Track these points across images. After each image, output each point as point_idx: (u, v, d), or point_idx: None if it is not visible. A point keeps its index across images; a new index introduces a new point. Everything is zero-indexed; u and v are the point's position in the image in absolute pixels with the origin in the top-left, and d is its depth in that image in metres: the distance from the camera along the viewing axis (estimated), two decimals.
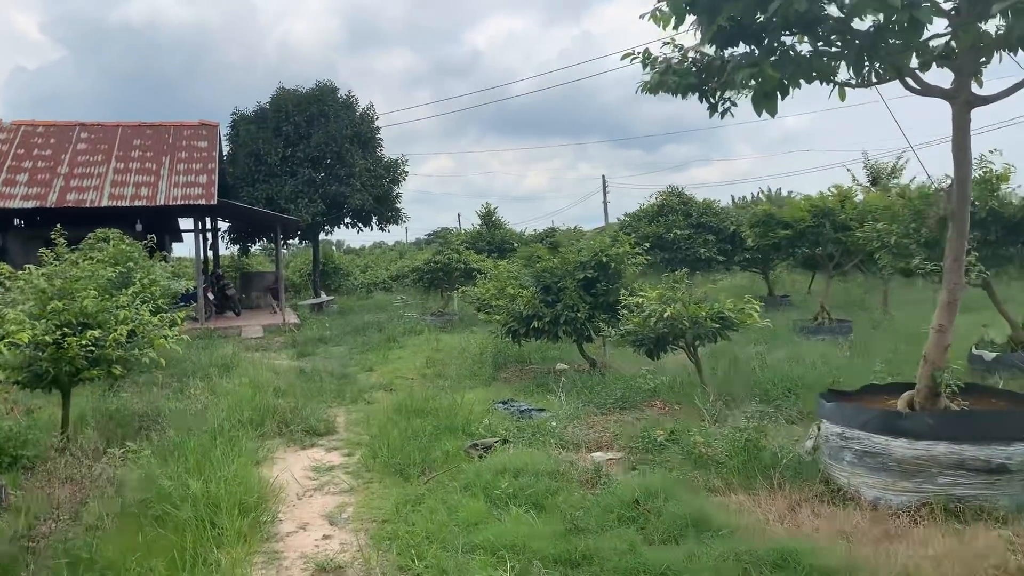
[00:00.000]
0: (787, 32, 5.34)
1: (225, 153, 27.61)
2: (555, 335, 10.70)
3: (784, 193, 47.48)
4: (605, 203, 46.16)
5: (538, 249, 11.34)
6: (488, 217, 31.27)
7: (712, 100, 5.70)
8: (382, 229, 29.37)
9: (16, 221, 23.81)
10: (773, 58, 4.98)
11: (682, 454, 6.43)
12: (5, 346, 6.82)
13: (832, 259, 12.83)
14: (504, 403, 9.59)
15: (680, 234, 14.13)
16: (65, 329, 7.57)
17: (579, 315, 10.39)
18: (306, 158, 26.48)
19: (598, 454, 6.88)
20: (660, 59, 5.66)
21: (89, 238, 14.99)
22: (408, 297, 30.94)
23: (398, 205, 29.19)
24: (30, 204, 19.74)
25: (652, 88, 5.63)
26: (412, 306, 26.81)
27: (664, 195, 16.16)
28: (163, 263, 14.10)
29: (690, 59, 5.76)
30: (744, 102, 5.67)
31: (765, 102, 4.96)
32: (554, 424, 8.02)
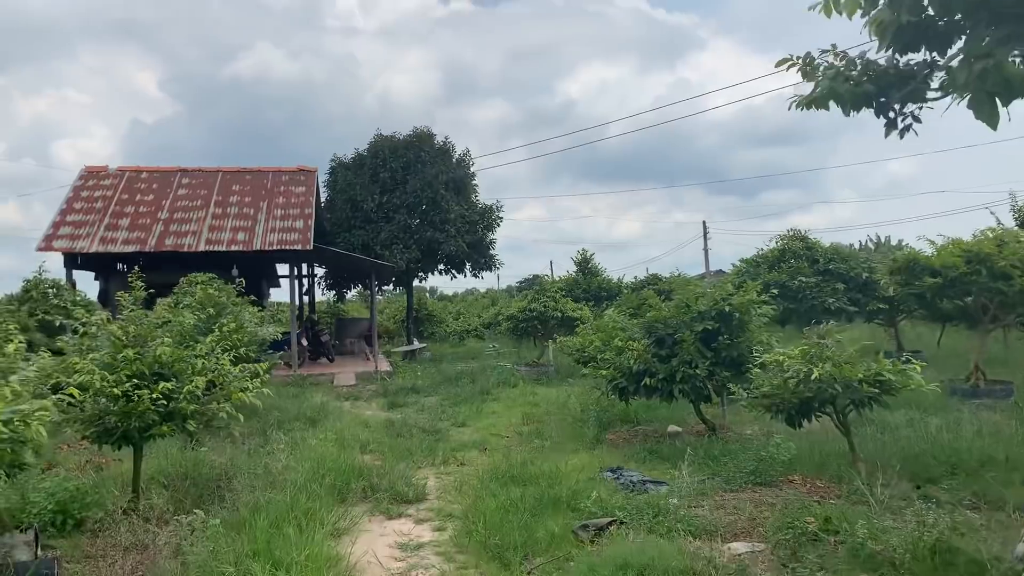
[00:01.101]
0: (994, 27, 4.21)
1: (323, 199, 27.65)
2: (669, 394, 9.54)
3: (894, 242, 44.86)
4: (706, 250, 44.62)
5: (649, 296, 10.26)
6: (584, 264, 30.28)
7: (891, 115, 4.60)
8: (475, 275, 28.77)
9: (119, 265, 24.26)
10: (1016, 51, 3.86)
11: (846, 551, 5.19)
12: (66, 398, 6.22)
13: (986, 311, 11.27)
14: (613, 471, 8.48)
15: (806, 282, 12.82)
16: (136, 380, 6.93)
17: (698, 372, 9.23)
18: (402, 204, 26.21)
19: (738, 545, 5.70)
20: (826, 65, 4.61)
21: (182, 283, 14.74)
22: (500, 345, 30.15)
23: (492, 251, 28.58)
24: (130, 248, 19.91)
25: (820, 99, 4.60)
26: (505, 355, 25.96)
27: (786, 239, 14.86)
28: (252, 308, 13.65)
29: (859, 65, 4.69)
30: (929, 118, 4.56)
31: (988, 108, 3.83)
32: (675, 502, 6.87)
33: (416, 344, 27.50)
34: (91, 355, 7.17)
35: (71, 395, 6.53)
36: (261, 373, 8.10)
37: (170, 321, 10.85)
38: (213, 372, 7.78)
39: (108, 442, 7.14)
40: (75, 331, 8.02)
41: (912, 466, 7.67)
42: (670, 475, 8.39)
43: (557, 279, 25.08)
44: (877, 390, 6.59)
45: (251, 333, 11.35)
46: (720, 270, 50.35)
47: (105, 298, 22.79)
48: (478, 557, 5.97)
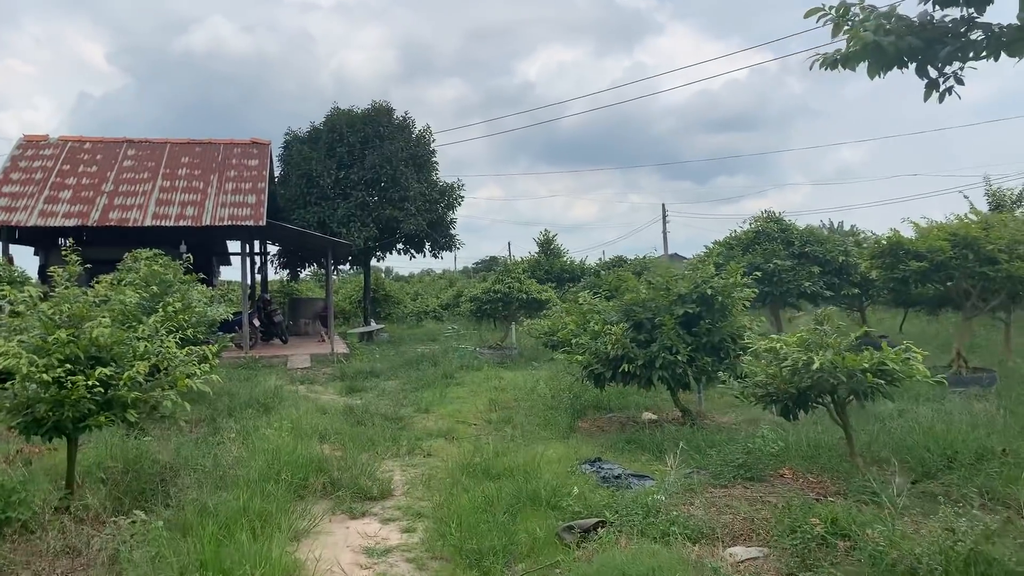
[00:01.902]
0: None
1: (277, 175, 26.63)
2: (648, 381, 9.05)
3: (847, 227, 45.14)
4: (665, 233, 44.42)
5: (627, 278, 9.73)
6: (546, 245, 29.75)
7: (933, 75, 4.09)
8: (435, 256, 28.03)
9: (60, 240, 23.02)
10: None
11: (865, 559, 4.72)
12: None
13: (968, 296, 11.00)
14: (592, 463, 7.96)
15: (781, 264, 12.41)
16: (70, 365, 6.18)
17: (678, 358, 8.74)
18: (360, 180, 25.32)
19: (739, 550, 5.21)
20: (863, 16, 4.07)
21: (126, 259, 13.83)
22: (460, 327, 29.52)
23: (452, 231, 27.88)
24: (72, 222, 18.77)
25: (854, 56, 4.06)
26: (466, 337, 25.34)
27: (760, 220, 14.44)
28: (202, 286, 12.82)
29: (892, 20, 4.16)
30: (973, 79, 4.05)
31: None
32: (662, 498, 6.37)
33: (374, 325, 26.74)
34: (18, 337, 6.39)
35: None
36: (210, 357, 7.38)
37: (109, 299, 10.04)
38: (157, 356, 7.05)
39: (38, 433, 6.38)
40: (0, 309, 7.21)
41: (907, 458, 7.30)
42: (653, 468, 7.91)
43: (520, 260, 24.50)
44: (883, 380, 6.15)
45: (199, 313, 10.56)
46: (676, 254, 50.31)
47: (45, 275, 21.62)
48: (454, 564, 5.39)
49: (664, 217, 44.60)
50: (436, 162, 27.79)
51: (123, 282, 10.61)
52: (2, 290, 7.39)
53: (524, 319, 20.23)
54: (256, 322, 21.73)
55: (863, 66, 4.48)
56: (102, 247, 20.15)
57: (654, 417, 10.46)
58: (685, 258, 37.12)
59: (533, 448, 8.72)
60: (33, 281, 19.32)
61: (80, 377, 6.16)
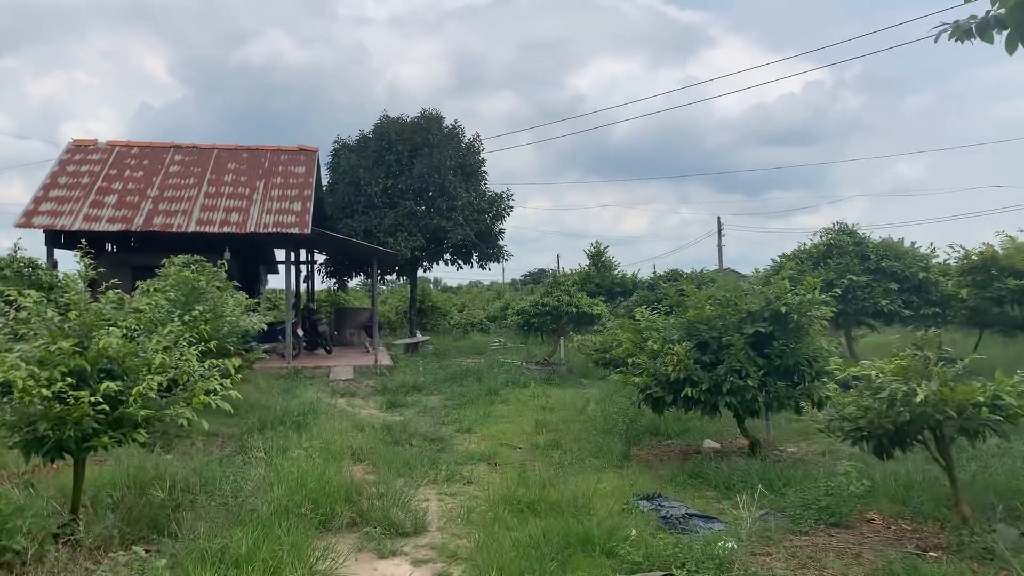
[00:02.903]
0: None
1: (324, 183, 26.27)
2: (713, 407, 8.16)
3: (907, 244, 43.34)
4: (720, 246, 43.16)
5: (691, 291, 8.86)
6: (597, 257, 28.81)
7: None
8: (483, 266, 27.34)
9: (108, 246, 22.92)
10: None
11: None
12: None
13: None
14: (650, 499, 7.12)
15: (856, 280, 11.41)
16: (72, 379, 5.57)
17: (749, 383, 7.85)
18: (408, 189, 24.83)
19: None
20: None
21: (165, 264, 13.38)
22: (506, 340, 28.77)
23: (500, 242, 27.16)
24: (115, 227, 18.54)
25: (996, 21, 3.20)
26: (512, 351, 24.61)
27: (832, 233, 13.42)
28: (240, 294, 12.28)
29: None
30: None
31: None
32: (732, 546, 5.51)
33: (419, 337, 26.17)
34: (19, 346, 5.82)
35: None
36: (232, 371, 6.74)
37: (139, 308, 9.54)
38: (174, 369, 6.44)
39: (39, 453, 5.79)
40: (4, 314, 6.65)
41: (1015, 504, 6.30)
42: (720, 507, 7.04)
43: (570, 272, 23.65)
44: (1000, 417, 5.21)
45: (231, 322, 9.98)
46: (730, 268, 48.92)
47: (92, 282, 21.48)
48: None
49: (720, 230, 43.39)
50: (485, 171, 27.22)
51: (151, 290, 10.10)
52: (8, 292, 6.82)
53: (574, 334, 19.38)
54: (300, 332, 21.31)
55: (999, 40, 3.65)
56: (148, 253, 19.96)
57: (717, 446, 9.55)
58: (740, 273, 35.89)
59: (584, 478, 7.91)
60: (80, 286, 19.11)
61: (84, 392, 5.55)
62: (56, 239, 19.23)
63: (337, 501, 6.66)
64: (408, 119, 26.15)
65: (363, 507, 6.62)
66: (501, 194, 26.91)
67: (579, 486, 7.38)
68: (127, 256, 22.08)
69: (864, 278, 12.16)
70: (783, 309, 8.10)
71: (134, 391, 5.76)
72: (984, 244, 10.58)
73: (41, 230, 18.54)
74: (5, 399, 5.68)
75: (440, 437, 10.39)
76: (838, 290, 9.64)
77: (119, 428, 5.94)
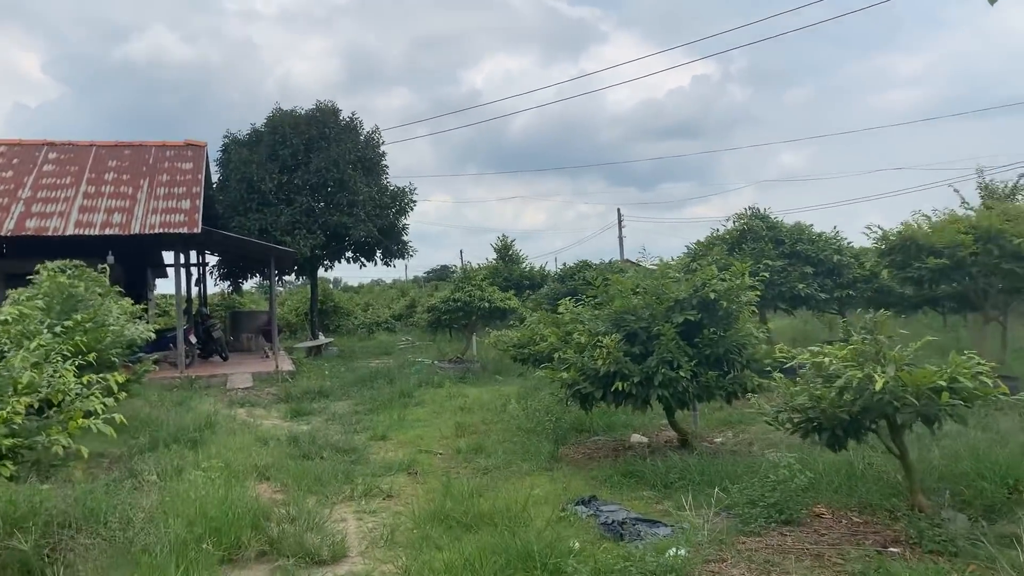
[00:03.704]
0: None
1: (215, 180, 24.86)
2: (644, 400, 7.79)
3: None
4: (621, 237, 43.45)
5: (616, 280, 8.45)
6: (504, 251, 28.37)
7: None
8: (387, 264, 26.44)
9: None
10: None
11: None
12: None
13: (986, 296, 10.01)
14: (586, 503, 6.66)
15: (772, 265, 11.30)
16: None
17: (681, 374, 7.50)
18: (304, 185, 23.73)
19: None
20: None
21: (38, 271, 12.11)
22: (414, 339, 28.03)
23: (404, 237, 26.34)
24: None
25: None
26: (421, 349, 23.92)
27: (745, 218, 13.30)
28: (125, 300, 11.20)
29: None
30: None
31: None
32: (684, 553, 5.11)
33: (322, 339, 25.13)
34: None
35: None
36: (115, 387, 5.91)
37: (4, 320, 8.45)
38: (47, 388, 5.58)
39: None
40: None
41: (961, 490, 6.15)
42: (661, 509, 6.65)
43: (478, 267, 23.13)
44: (961, 401, 4.96)
45: (115, 332, 8.99)
46: (628, 259, 49.43)
47: None
48: None
49: (620, 221, 43.69)
50: (386, 165, 26.31)
51: (21, 299, 9.00)
52: None
53: (487, 330, 18.88)
54: (193, 338, 20.01)
55: None
56: (23, 260, 18.28)
57: (645, 440, 9.22)
58: (639, 265, 36.18)
59: (514, 484, 7.41)
60: None
61: None
62: None
63: (243, 529, 5.91)
64: (303, 112, 25.03)
65: (273, 534, 5.90)
66: (404, 188, 26.12)
67: (510, 493, 6.87)
68: None
69: (779, 262, 12.12)
70: (712, 296, 7.79)
71: None
72: (902, 224, 10.67)
73: None
74: None
75: (353, 447, 9.68)
76: (765, 275, 9.47)
77: None
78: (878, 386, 4.83)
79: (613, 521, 6.12)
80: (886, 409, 5.03)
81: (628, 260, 46.62)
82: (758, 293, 8.46)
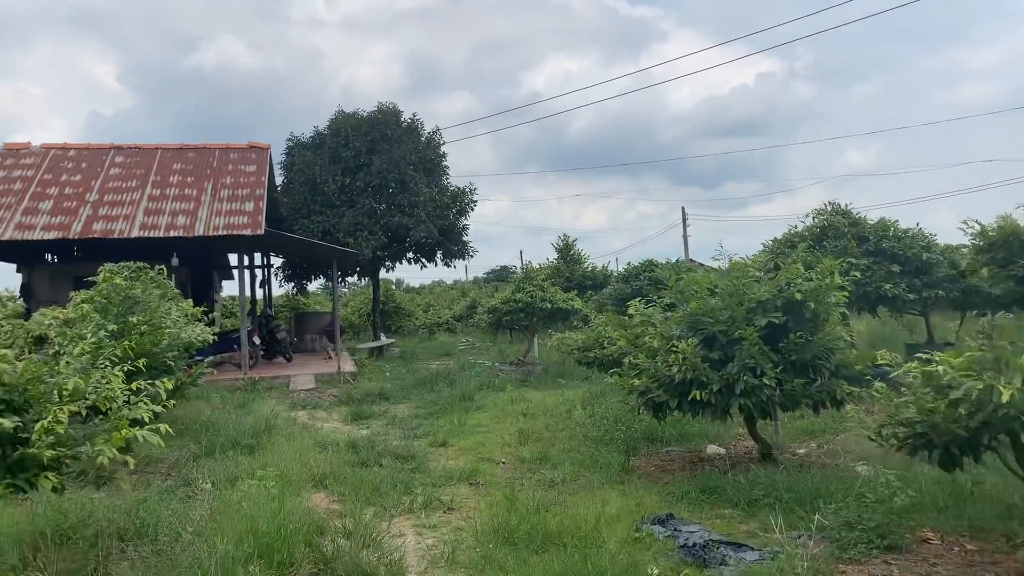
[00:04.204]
0: None
1: (279, 184, 24.95)
2: (724, 410, 7.21)
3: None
4: (685, 237, 42.44)
5: (696, 281, 7.89)
6: (566, 251, 27.82)
7: None
8: (447, 264, 26.15)
9: (47, 255, 21.42)
10: None
11: None
12: None
13: None
14: (663, 523, 6.14)
15: (856, 264, 10.55)
16: None
17: (765, 381, 6.90)
18: (366, 186, 23.63)
19: None
20: None
21: (100, 271, 12.10)
22: (475, 340, 27.71)
23: (465, 238, 26.02)
24: (51, 235, 17.10)
25: None
26: (481, 351, 23.56)
27: (825, 214, 12.53)
28: (186, 304, 11.07)
29: None
30: None
31: None
32: None
33: (383, 339, 24.98)
34: None
35: None
36: (164, 394, 5.62)
37: (70, 321, 8.35)
38: (93, 395, 5.30)
39: None
40: None
41: None
42: (746, 530, 6.08)
43: (539, 267, 22.67)
44: None
45: (172, 334, 8.80)
46: (693, 260, 48.32)
47: (28, 293, 19.99)
48: None
49: (684, 221, 42.68)
50: (447, 166, 26.06)
51: (81, 300, 8.90)
52: None
53: (549, 331, 18.38)
54: (256, 340, 20.02)
55: None
56: (91, 262, 18.55)
57: (722, 451, 8.63)
58: (704, 265, 35.24)
59: (583, 498, 6.92)
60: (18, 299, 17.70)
61: None
62: None
63: (296, 545, 5.57)
64: (364, 114, 24.95)
65: (327, 551, 5.54)
66: (464, 189, 25.81)
67: (580, 509, 6.40)
68: (68, 266, 20.65)
69: (864, 260, 11.34)
70: (798, 296, 7.17)
71: (37, 427, 4.63)
72: (998, 219, 9.80)
73: None
74: None
75: (412, 454, 9.31)
76: (856, 274, 8.79)
77: (23, 472, 4.81)
78: (1004, 398, 4.21)
79: (694, 543, 5.59)
80: (1012, 424, 4.39)
81: (692, 260, 45.70)
82: (847, 294, 7.81)
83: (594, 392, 12.24)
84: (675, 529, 5.96)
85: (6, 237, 16.95)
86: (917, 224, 13.11)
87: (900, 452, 5.17)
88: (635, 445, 8.86)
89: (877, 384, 5.47)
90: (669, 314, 8.18)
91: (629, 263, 23.87)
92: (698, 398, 7.04)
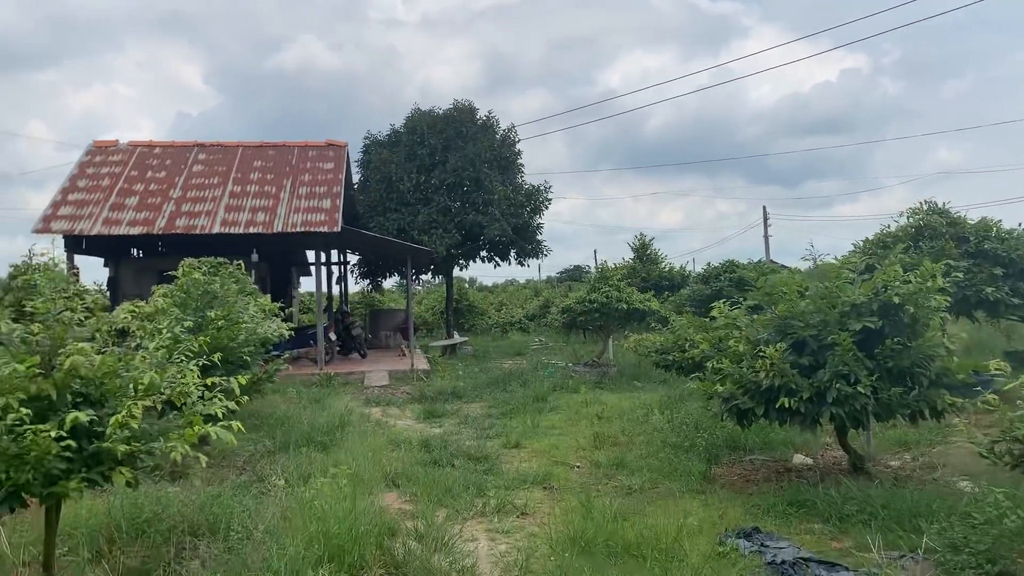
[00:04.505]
0: None
1: (356, 181, 25.21)
2: (814, 419, 6.81)
3: None
4: (767, 237, 41.35)
5: (785, 282, 7.49)
6: (642, 250, 27.32)
7: None
8: (521, 263, 26.01)
9: (132, 250, 22.08)
10: None
11: None
12: None
13: None
14: (748, 537, 5.80)
15: (955, 266, 9.91)
16: (25, 409, 4.41)
17: (860, 390, 6.48)
18: (441, 184, 23.66)
19: None
20: None
21: (181, 266, 12.32)
22: (547, 339, 27.49)
23: (539, 237, 25.83)
24: (136, 230, 17.59)
25: None
26: (554, 351, 23.33)
27: (921, 213, 11.86)
28: (264, 299, 11.16)
29: None
30: None
31: None
32: None
33: (456, 338, 25.01)
34: None
35: None
36: (237, 390, 5.55)
37: (150, 315, 8.44)
38: (166, 391, 5.26)
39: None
40: None
41: None
42: (839, 548, 5.70)
43: (615, 267, 22.28)
44: None
45: (249, 329, 8.84)
46: (773, 260, 47.04)
47: (115, 286, 20.64)
48: None
49: (765, 220, 41.56)
50: (522, 164, 25.91)
51: (161, 294, 9.01)
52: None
53: (627, 332, 18.02)
54: (333, 336, 20.25)
55: None
56: (175, 257, 19.03)
57: (809, 461, 8.20)
58: (786, 266, 34.22)
59: (662, 507, 6.63)
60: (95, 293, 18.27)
61: (49, 424, 4.41)
62: (76, 244, 18.40)
63: (367, 546, 5.44)
64: (440, 111, 25.01)
65: (398, 554, 5.40)
66: (539, 187, 25.62)
67: (659, 519, 6.11)
68: (152, 261, 21.25)
69: (964, 263, 10.67)
70: (896, 299, 6.72)
71: (112, 421, 4.60)
72: None
73: (60, 235, 17.64)
74: None
75: (485, 455, 9.15)
76: (959, 275, 8.25)
77: (99, 465, 4.80)
78: None
79: (783, 561, 5.25)
80: None
81: (774, 261, 44.51)
82: (948, 298, 7.30)
83: (672, 396, 11.89)
84: (762, 544, 5.63)
85: (94, 232, 17.51)
86: (1020, 224, 12.29)
87: (1015, 470, 4.73)
88: (716, 453, 8.49)
89: (989, 395, 5.03)
90: (755, 317, 7.80)
91: (709, 263, 23.26)
92: (787, 406, 6.66)
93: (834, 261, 9.18)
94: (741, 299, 8.78)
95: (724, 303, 8.61)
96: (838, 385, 6.55)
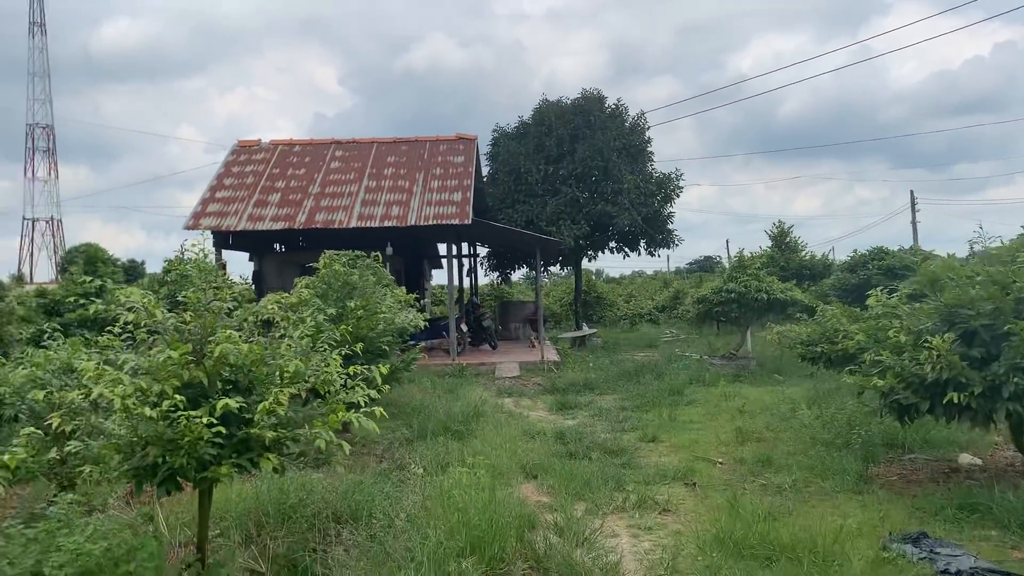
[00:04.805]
0: None
1: (485, 174, 25.39)
2: (987, 416, 6.22)
3: None
4: (915, 223, 38.84)
5: (953, 268, 6.87)
6: (781, 238, 26.19)
7: None
8: (651, 253, 25.44)
9: (275, 245, 23.05)
10: None
11: None
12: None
13: None
14: (914, 542, 5.34)
15: None
16: (178, 396, 4.54)
17: None
18: (570, 175, 23.45)
19: None
20: None
21: (322, 258, 12.67)
22: (679, 331, 26.84)
23: (670, 226, 25.16)
24: (278, 226, 18.33)
25: None
26: (687, 343, 22.71)
27: None
28: (400, 290, 11.33)
29: None
30: None
31: None
32: None
33: (585, 329, 24.77)
34: (124, 357, 4.89)
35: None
36: (379, 379, 5.56)
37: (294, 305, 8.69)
38: (312, 378, 5.32)
39: (152, 483, 4.84)
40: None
41: None
42: (1020, 557, 5.16)
43: (751, 256, 21.41)
44: None
45: (387, 319, 8.96)
46: (921, 248, 44.19)
47: (259, 280, 21.62)
48: None
49: (913, 206, 39.08)
50: (651, 152, 25.33)
51: (304, 286, 9.26)
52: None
53: (767, 323, 17.26)
54: (464, 327, 20.48)
55: None
56: (315, 251, 19.75)
57: (978, 462, 7.53)
58: (935, 253, 32.02)
59: (816, 508, 6.22)
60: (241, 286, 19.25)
61: (201, 411, 4.53)
62: (224, 240, 19.34)
63: (507, 539, 5.34)
64: (568, 101, 24.79)
65: (539, 548, 5.27)
66: (670, 175, 24.97)
67: (814, 520, 5.72)
68: (294, 255, 22.10)
69: None
70: None
71: (260, 407, 4.68)
72: None
73: (208, 231, 18.60)
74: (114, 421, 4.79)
75: (622, 448, 8.93)
76: None
77: (248, 451, 4.91)
78: None
79: (958, 571, 4.79)
80: None
81: (923, 248, 41.87)
82: None
83: (820, 390, 11.26)
84: (931, 551, 5.16)
85: (240, 228, 18.35)
86: None
87: None
88: (873, 451, 7.92)
89: None
90: (916, 305, 7.20)
91: (855, 251, 21.98)
92: (955, 401, 6.10)
93: (1004, 245, 8.40)
94: (900, 286, 8.15)
95: (881, 291, 8.03)
96: (1015, 379, 5.94)
